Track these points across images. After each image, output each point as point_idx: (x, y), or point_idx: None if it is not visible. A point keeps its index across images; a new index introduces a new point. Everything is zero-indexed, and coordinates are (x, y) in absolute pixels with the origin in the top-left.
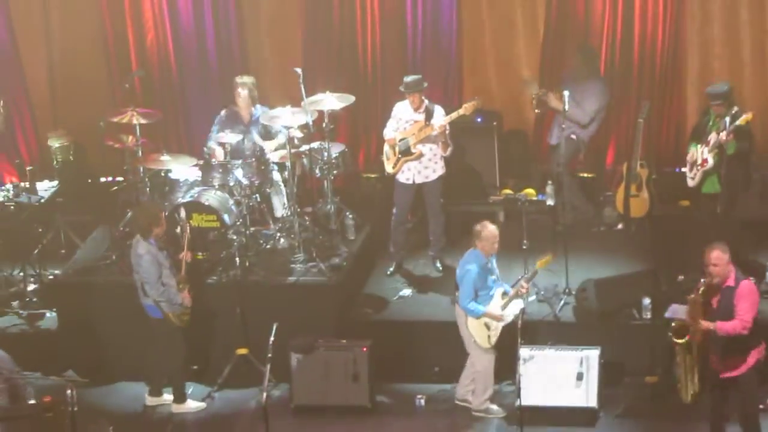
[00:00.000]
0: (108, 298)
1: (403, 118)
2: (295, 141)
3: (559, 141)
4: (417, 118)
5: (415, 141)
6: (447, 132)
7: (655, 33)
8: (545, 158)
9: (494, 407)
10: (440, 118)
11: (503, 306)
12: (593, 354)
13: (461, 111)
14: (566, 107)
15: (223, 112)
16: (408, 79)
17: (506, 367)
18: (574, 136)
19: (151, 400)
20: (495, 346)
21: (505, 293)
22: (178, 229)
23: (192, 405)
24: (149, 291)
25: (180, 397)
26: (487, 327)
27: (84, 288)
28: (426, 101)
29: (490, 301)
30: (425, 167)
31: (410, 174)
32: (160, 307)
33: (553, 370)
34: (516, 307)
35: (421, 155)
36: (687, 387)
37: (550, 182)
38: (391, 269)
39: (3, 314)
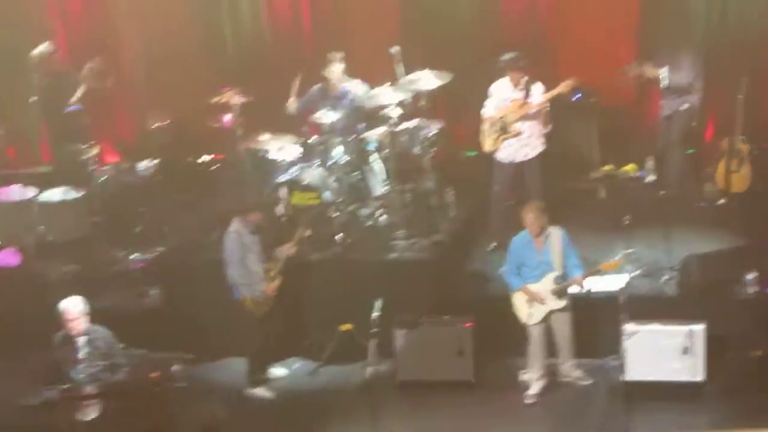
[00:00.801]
0: (211, 276)
1: (501, 96)
2: (394, 119)
3: (670, 112)
4: (516, 96)
5: (514, 119)
6: (546, 109)
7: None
8: (646, 134)
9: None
10: (539, 95)
11: (554, 291)
12: (698, 328)
13: (559, 89)
14: (665, 82)
15: (317, 87)
16: (506, 56)
17: (611, 342)
18: (686, 105)
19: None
20: (549, 330)
21: (558, 279)
22: (279, 209)
23: (262, 393)
24: (228, 270)
25: (253, 382)
26: (529, 305)
27: (186, 266)
28: (525, 78)
29: (536, 282)
30: (524, 145)
31: (509, 152)
32: (240, 289)
33: (658, 345)
34: (614, 282)
35: (519, 133)
36: None
37: (650, 158)
38: (494, 245)
39: (108, 292)
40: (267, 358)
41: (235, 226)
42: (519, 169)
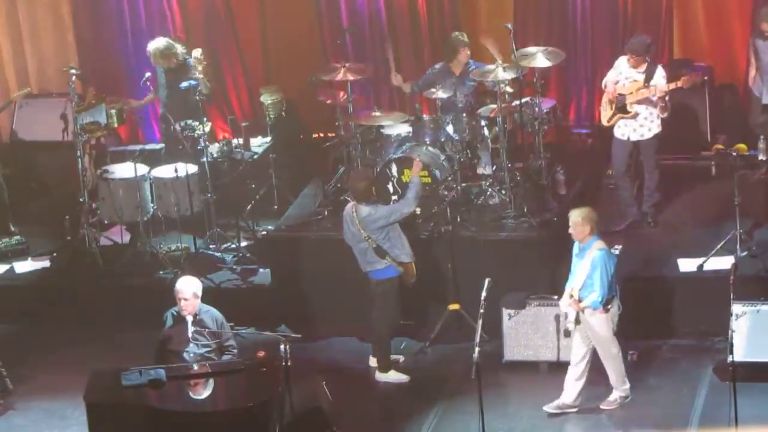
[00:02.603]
0: (320, 254)
1: (623, 73)
2: (506, 96)
3: None
4: (636, 77)
5: (632, 100)
6: (666, 97)
7: None
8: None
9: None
10: (660, 80)
11: (568, 304)
12: None
13: (680, 83)
14: None
15: (438, 65)
16: (634, 40)
17: (718, 323)
18: None
19: (372, 360)
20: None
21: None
22: (390, 186)
23: (394, 376)
24: (403, 210)
25: (384, 367)
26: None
27: (297, 243)
28: (648, 61)
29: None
30: (640, 125)
31: (626, 130)
32: (400, 257)
33: (767, 326)
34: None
35: (636, 115)
36: None
37: (762, 137)
38: (621, 227)
39: (217, 270)
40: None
41: (366, 209)
42: (636, 147)
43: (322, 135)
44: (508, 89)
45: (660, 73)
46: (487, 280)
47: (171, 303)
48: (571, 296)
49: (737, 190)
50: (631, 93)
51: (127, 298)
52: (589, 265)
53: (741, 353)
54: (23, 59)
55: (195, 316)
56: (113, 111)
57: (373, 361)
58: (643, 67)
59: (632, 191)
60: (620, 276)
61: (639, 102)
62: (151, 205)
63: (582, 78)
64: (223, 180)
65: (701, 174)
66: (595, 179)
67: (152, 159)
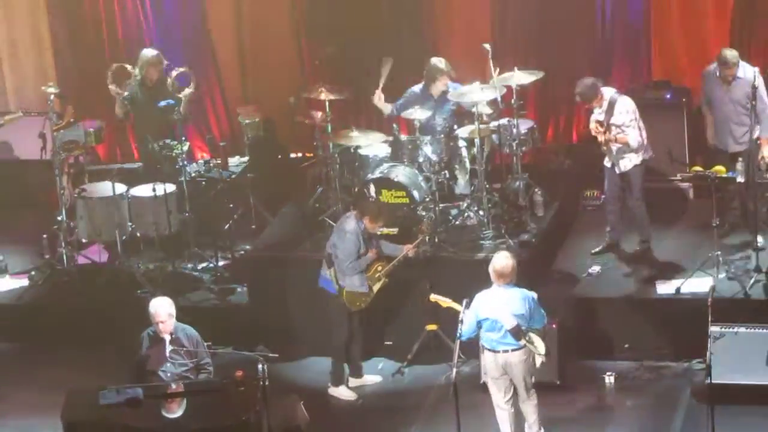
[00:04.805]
0: (298, 274)
1: (594, 114)
2: (484, 117)
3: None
4: (598, 117)
5: (602, 140)
6: (624, 136)
7: None
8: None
9: None
10: (620, 116)
11: None
12: None
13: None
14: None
15: (417, 88)
16: (579, 87)
17: (697, 345)
18: None
19: (351, 381)
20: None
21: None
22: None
23: (345, 393)
24: (343, 264)
25: (336, 380)
26: None
27: (274, 263)
28: (607, 97)
29: None
30: (621, 158)
31: (609, 161)
32: (344, 280)
33: (745, 349)
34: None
35: (616, 148)
36: None
37: (740, 159)
38: (598, 249)
39: (195, 289)
40: (350, 355)
41: (353, 225)
42: (623, 175)
43: (300, 155)
44: (487, 110)
45: (621, 107)
46: (464, 301)
47: (149, 322)
48: None
49: (715, 212)
50: (598, 133)
51: (105, 317)
52: None
53: (719, 375)
54: (1, 78)
55: (171, 335)
56: (91, 130)
57: (351, 381)
58: (604, 105)
59: (618, 215)
60: (596, 296)
61: (607, 142)
62: (129, 224)
63: (560, 99)
64: (201, 199)
65: (679, 197)
66: (573, 200)
67: (130, 178)
